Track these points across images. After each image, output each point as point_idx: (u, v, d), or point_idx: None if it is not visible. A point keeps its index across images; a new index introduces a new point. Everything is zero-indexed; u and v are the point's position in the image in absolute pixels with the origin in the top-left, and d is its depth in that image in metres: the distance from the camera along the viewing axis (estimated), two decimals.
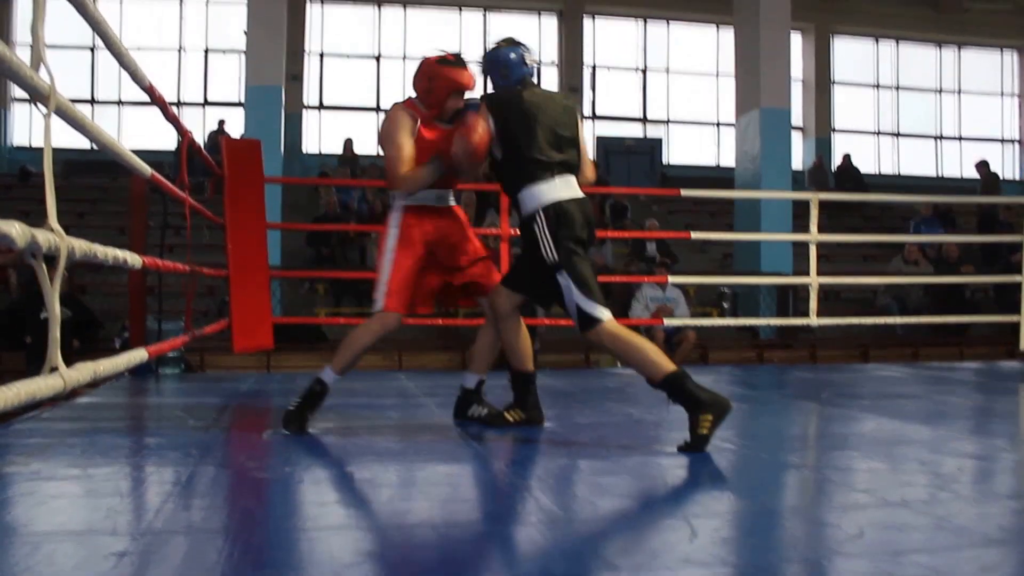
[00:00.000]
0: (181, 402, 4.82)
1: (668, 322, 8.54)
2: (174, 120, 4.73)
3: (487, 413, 4.02)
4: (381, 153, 3.96)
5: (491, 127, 3.65)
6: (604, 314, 3.49)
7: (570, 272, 3.52)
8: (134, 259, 3.26)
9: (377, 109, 17.91)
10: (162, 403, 4.94)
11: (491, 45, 3.87)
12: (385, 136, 3.86)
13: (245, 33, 12.04)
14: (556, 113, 3.72)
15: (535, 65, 3.85)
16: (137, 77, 3.54)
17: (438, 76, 3.81)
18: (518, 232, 3.89)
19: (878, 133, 20.24)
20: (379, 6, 17.92)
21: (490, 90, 3.86)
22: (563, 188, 3.62)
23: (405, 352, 9.18)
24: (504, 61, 3.77)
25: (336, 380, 3.81)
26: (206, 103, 17.46)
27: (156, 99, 4.11)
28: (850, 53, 19.95)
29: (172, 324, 6.00)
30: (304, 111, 17.40)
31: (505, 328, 3.89)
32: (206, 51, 17.60)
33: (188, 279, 5.29)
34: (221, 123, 15.29)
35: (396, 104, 3.95)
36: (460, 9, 18.17)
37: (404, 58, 17.94)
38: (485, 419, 3.98)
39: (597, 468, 3.05)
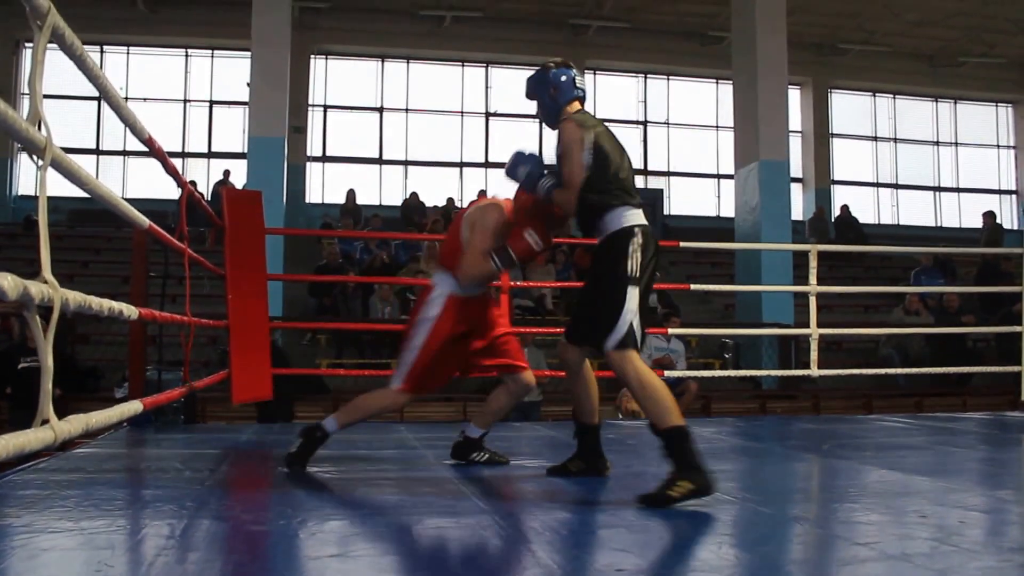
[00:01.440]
0: (179, 453, 4.79)
1: (671, 373, 8.51)
2: (173, 171, 4.75)
3: (488, 457, 4.18)
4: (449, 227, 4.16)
5: (585, 145, 3.58)
6: (638, 344, 3.49)
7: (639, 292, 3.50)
8: (130, 310, 3.25)
9: (380, 161, 18.05)
10: (160, 454, 4.91)
11: (543, 65, 3.88)
12: (477, 223, 3.90)
13: (249, 85, 12.16)
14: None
15: (583, 90, 3.84)
16: (136, 129, 3.56)
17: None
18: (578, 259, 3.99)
19: (877, 184, 20.36)
20: (383, 60, 18.14)
21: (533, 110, 3.91)
22: (643, 217, 3.61)
23: (407, 404, 9.13)
24: (556, 81, 3.77)
25: (335, 431, 3.95)
26: (211, 154, 17.59)
27: (155, 151, 4.13)
28: (848, 106, 20.16)
29: (173, 374, 5.98)
30: (307, 162, 17.51)
31: (576, 382, 3.84)
32: (211, 103, 17.76)
33: (187, 330, 5.27)
34: (226, 173, 15.43)
35: (496, 200, 4.01)
36: (463, 64, 18.38)
37: (407, 111, 18.14)
38: (487, 461, 4.16)
39: (596, 522, 3.02)
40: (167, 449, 5.06)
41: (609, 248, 3.55)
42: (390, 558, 2.55)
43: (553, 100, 3.76)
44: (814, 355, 7.16)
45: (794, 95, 18.45)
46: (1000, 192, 20.94)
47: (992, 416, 7.67)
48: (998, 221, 17.11)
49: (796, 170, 18.43)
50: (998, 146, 21.02)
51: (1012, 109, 20.97)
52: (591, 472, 3.83)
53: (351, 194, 16.02)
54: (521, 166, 3.73)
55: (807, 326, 7.27)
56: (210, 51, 17.63)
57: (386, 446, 5.13)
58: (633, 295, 3.46)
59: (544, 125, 3.98)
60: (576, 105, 3.80)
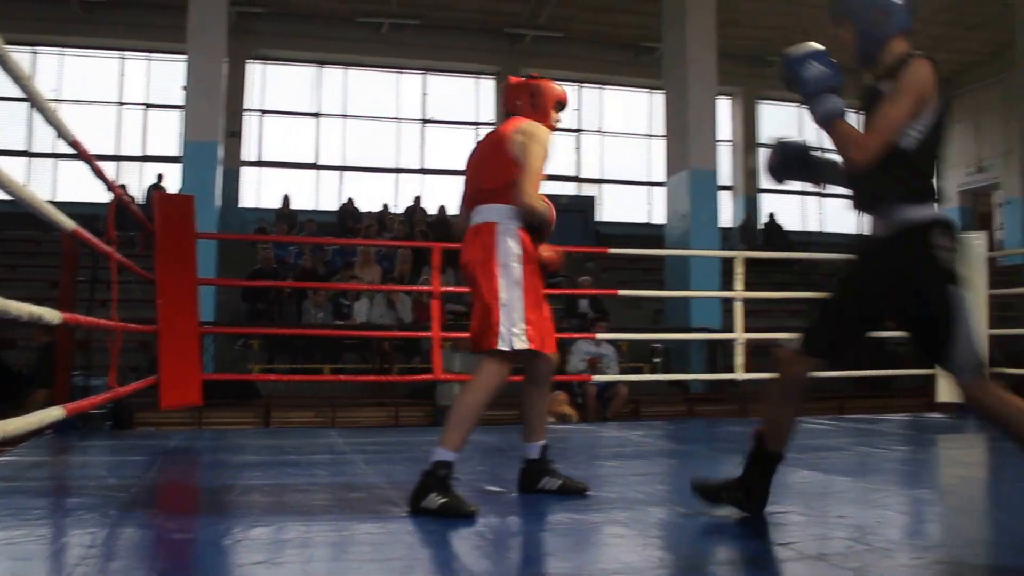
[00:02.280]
0: (104, 460, 4.73)
1: (600, 378, 8.62)
2: (100, 175, 4.71)
3: (561, 485, 3.55)
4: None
5: (929, 103, 2.74)
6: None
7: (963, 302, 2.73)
8: (52, 315, 3.22)
9: (316, 166, 17.96)
10: (84, 461, 4.84)
11: None
12: (528, 147, 3.39)
13: (184, 89, 12.03)
14: None
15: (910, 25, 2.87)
16: (62, 132, 3.53)
17: (541, 90, 3.60)
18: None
19: (803, 193, 20.71)
20: (320, 66, 18.05)
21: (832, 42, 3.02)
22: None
23: (339, 408, 9.11)
24: (881, 2, 2.83)
25: (455, 455, 3.27)
26: (145, 158, 17.32)
27: (82, 153, 4.10)
28: (776, 117, 20.51)
29: (101, 380, 5.90)
30: (243, 167, 17.34)
31: (789, 402, 3.07)
32: (146, 106, 17.51)
33: (114, 335, 5.22)
34: (159, 177, 15.24)
35: (533, 121, 3.52)
36: (400, 71, 18.38)
37: (344, 116, 18.08)
38: (560, 490, 3.53)
39: (524, 526, 3.06)
40: (92, 456, 4.99)
41: (902, 251, 2.77)
42: (316, 564, 2.54)
43: (877, 25, 2.86)
44: (739, 358, 7.30)
45: (724, 105, 18.75)
46: None
47: (911, 417, 7.89)
48: None
49: (725, 178, 18.72)
50: None
51: None
52: (746, 507, 3.10)
53: (286, 199, 15.91)
54: (809, 63, 2.85)
55: (734, 331, 7.42)
56: (146, 54, 17.37)
57: (316, 451, 5.12)
58: (961, 309, 2.72)
59: (855, 60, 3.03)
60: (903, 44, 2.87)
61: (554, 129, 3.59)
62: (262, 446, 3.82)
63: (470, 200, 3.56)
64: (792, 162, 3.11)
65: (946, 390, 7.84)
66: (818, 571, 2.37)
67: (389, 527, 2.96)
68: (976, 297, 7.77)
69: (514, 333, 3.22)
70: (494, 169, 3.46)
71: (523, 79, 3.67)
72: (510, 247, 3.32)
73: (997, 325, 8.43)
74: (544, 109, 3.57)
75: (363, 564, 2.54)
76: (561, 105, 3.63)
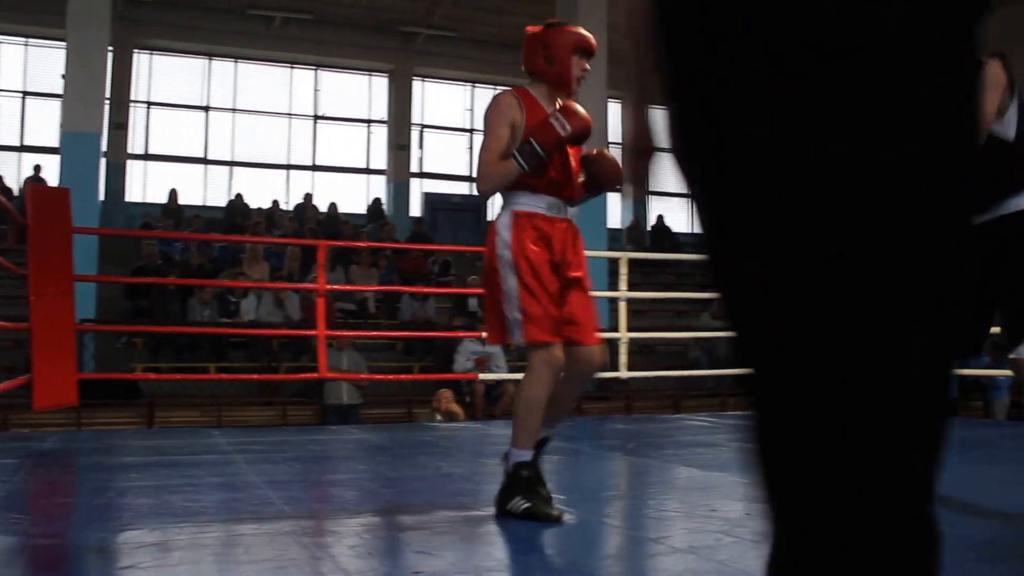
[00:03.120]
0: None
1: (487, 376, 8.69)
2: None
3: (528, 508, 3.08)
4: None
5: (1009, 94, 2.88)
6: None
7: None
8: None
9: (204, 161, 17.60)
10: None
11: None
12: (484, 126, 3.18)
13: (64, 77, 11.66)
14: None
15: None
16: None
17: (554, 39, 3.20)
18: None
19: (690, 196, 21.15)
20: (210, 59, 17.67)
21: None
22: None
23: (225, 408, 8.99)
24: None
25: (530, 455, 3.10)
26: (23, 148, 16.72)
27: None
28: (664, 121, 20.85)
29: None
30: (128, 160, 16.88)
31: None
32: (24, 94, 16.90)
33: None
34: (36, 169, 14.70)
35: (508, 90, 3.28)
36: (292, 66, 18.12)
37: (233, 111, 17.75)
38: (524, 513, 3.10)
39: (401, 525, 3.07)
40: None
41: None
42: (189, 567, 2.52)
43: None
44: (623, 357, 7.45)
45: (615, 108, 18.99)
46: None
47: None
48: None
49: None
50: None
51: None
52: None
53: (173, 194, 15.57)
54: None
55: (617, 331, 7.56)
56: (24, 39, 16.76)
57: (198, 452, 5.04)
58: None
59: None
60: None
61: (578, 79, 3.24)
62: (142, 447, 3.76)
63: None
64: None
65: None
66: (687, 564, 2.44)
67: (266, 528, 2.94)
68: None
69: (516, 325, 3.04)
70: None
71: (538, 28, 3.29)
72: (503, 238, 3.10)
73: None
74: (561, 60, 3.19)
75: (238, 566, 2.52)
76: (583, 51, 3.21)
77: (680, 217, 20.26)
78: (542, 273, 3.06)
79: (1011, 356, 3.02)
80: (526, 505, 2.98)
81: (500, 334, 3.11)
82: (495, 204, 17.90)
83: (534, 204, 3.14)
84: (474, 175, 16.45)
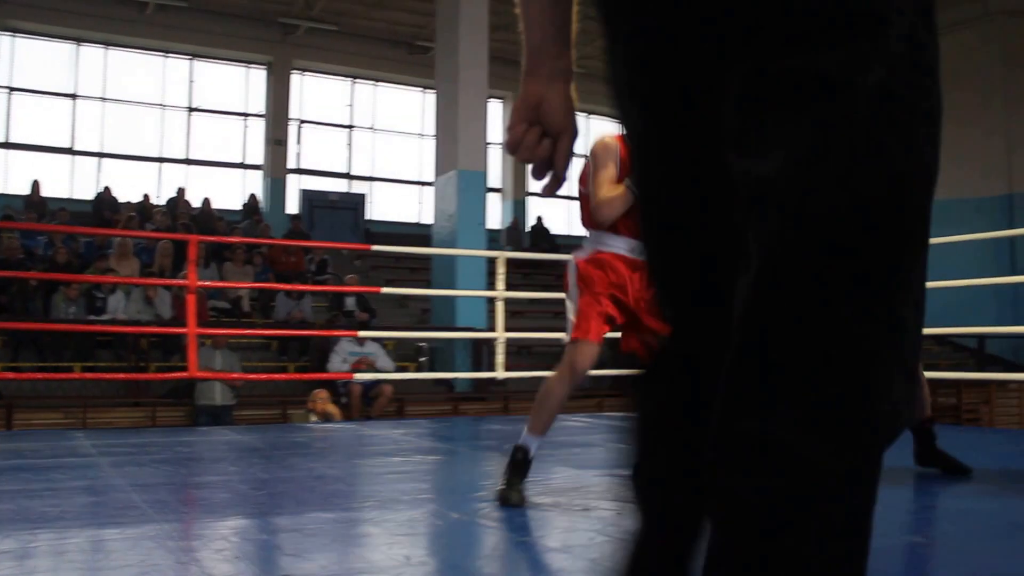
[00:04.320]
0: None
1: (364, 376, 8.61)
2: None
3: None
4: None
5: None
6: None
7: None
8: None
9: (71, 151, 16.95)
10: None
11: None
12: (596, 161, 3.49)
13: None
14: None
15: None
16: None
17: None
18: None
19: (570, 198, 21.39)
20: (78, 44, 17.00)
21: None
22: None
23: (90, 409, 8.68)
24: None
25: (537, 442, 3.43)
26: None
27: None
28: None
29: None
30: None
31: None
32: None
33: None
34: None
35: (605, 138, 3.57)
36: (165, 55, 17.59)
37: (103, 99, 17.14)
38: None
39: (271, 527, 3.00)
40: None
41: None
42: (45, 575, 2.41)
43: None
44: (500, 357, 7.47)
45: (495, 108, 19.08)
46: None
47: None
48: None
49: (495, 180, 19.06)
50: None
51: None
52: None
53: (36, 185, 14.97)
54: None
55: (495, 331, 7.58)
56: None
57: (58, 454, 4.86)
58: None
59: None
60: None
61: None
62: (51, 448, 3.59)
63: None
64: None
65: None
66: (561, 562, 2.45)
67: (128, 532, 2.84)
68: None
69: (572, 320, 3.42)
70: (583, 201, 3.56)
71: None
72: (572, 266, 3.50)
73: None
74: None
75: (99, 572, 2.42)
76: None
77: (559, 219, 20.50)
78: (599, 290, 3.41)
79: None
80: (500, 488, 3.28)
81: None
82: (373, 203, 17.82)
83: (618, 246, 3.43)
84: (352, 172, 16.36)
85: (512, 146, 1.14)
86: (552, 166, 1.15)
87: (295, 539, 2.79)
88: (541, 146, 1.13)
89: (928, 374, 6.54)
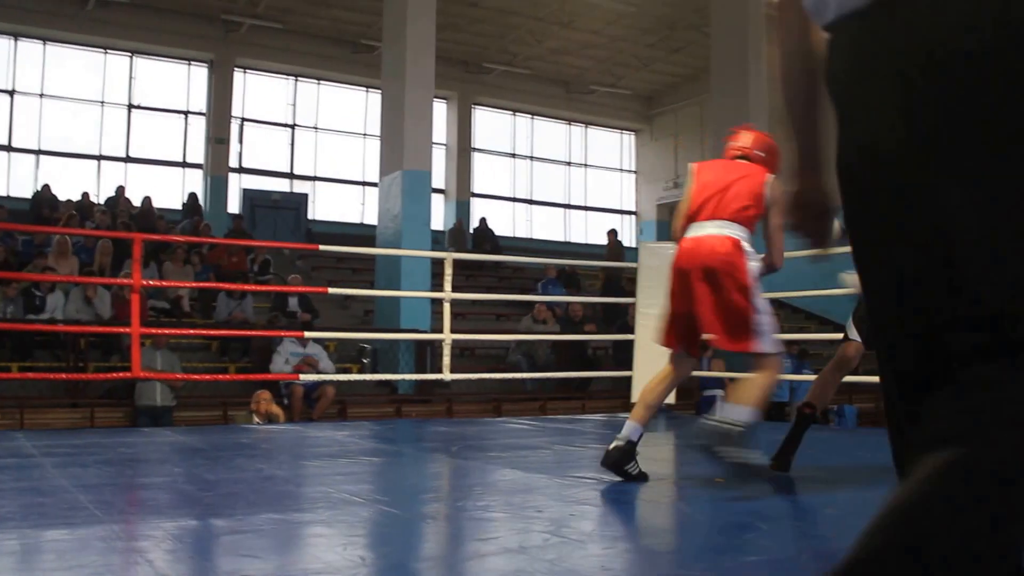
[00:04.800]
0: None
1: (306, 377, 8.57)
2: None
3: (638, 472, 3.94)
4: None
5: None
6: None
7: None
8: None
9: (8, 148, 16.54)
10: None
11: None
12: (775, 209, 3.90)
13: None
14: None
15: None
16: None
17: (779, 155, 4.02)
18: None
19: (514, 200, 21.47)
20: (15, 39, 16.56)
21: None
22: None
23: (28, 410, 8.51)
24: None
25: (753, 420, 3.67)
26: None
27: None
28: (490, 123, 21.10)
29: None
30: None
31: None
32: None
33: None
34: None
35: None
36: (106, 51, 17.27)
37: (41, 96, 16.78)
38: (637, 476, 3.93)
39: (223, 528, 2.98)
40: None
41: None
42: None
43: None
44: (447, 359, 7.47)
45: (440, 108, 19.06)
46: (622, 212, 22.79)
47: (607, 418, 8.35)
48: (619, 239, 18.61)
49: (439, 181, 19.05)
50: (621, 170, 22.90)
51: (634, 137, 22.91)
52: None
53: None
54: None
55: (442, 332, 7.58)
56: None
57: None
58: None
59: None
60: None
61: None
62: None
63: (706, 212, 3.90)
64: None
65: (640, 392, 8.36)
66: (518, 564, 2.46)
67: (78, 533, 2.81)
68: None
69: (765, 336, 3.75)
70: (745, 197, 3.87)
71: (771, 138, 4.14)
72: (752, 266, 3.79)
73: None
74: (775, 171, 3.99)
75: (48, 574, 2.40)
76: None
77: (503, 221, 20.55)
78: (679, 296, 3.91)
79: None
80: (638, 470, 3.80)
81: (742, 341, 3.75)
82: (315, 203, 17.59)
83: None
84: (295, 172, 16.21)
85: (798, 226, 1.57)
86: (822, 233, 1.57)
87: (249, 540, 2.78)
88: (817, 222, 1.55)
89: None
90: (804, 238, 1.59)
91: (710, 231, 3.84)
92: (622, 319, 11.39)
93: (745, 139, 4.14)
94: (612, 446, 3.86)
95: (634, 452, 3.87)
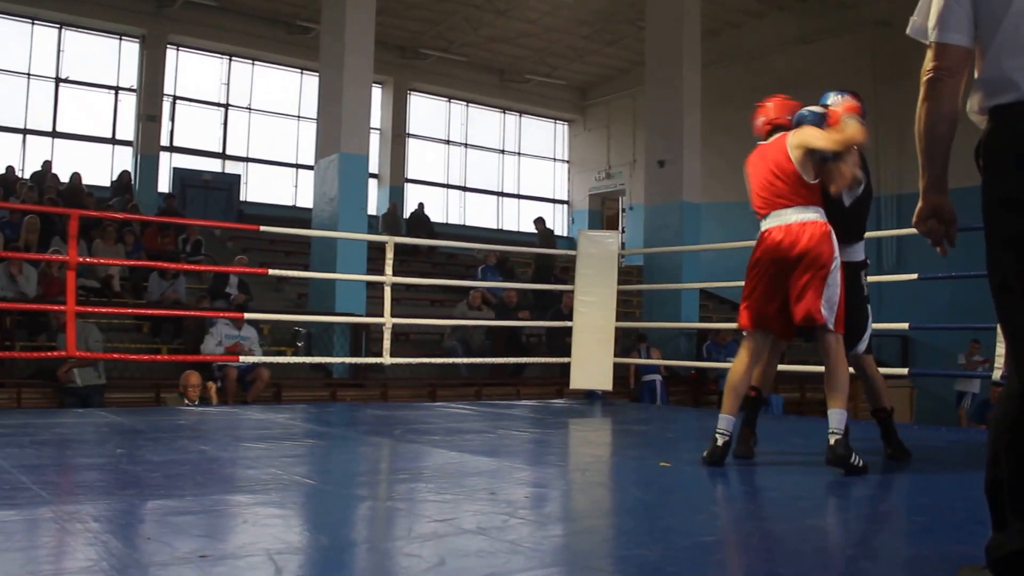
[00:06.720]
0: None
1: (245, 359, 8.48)
2: None
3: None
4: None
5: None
6: None
7: None
8: None
9: None
10: None
11: None
12: (806, 135, 4.06)
13: None
14: None
15: None
16: None
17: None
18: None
19: (448, 186, 21.44)
20: None
21: None
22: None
23: None
24: None
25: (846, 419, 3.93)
26: None
27: None
28: (425, 109, 21.04)
29: None
30: None
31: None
32: None
33: None
34: None
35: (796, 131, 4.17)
36: (32, 22, 16.80)
37: None
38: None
39: (172, 508, 2.95)
40: None
41: None
42: None
43: None
44: (387, 344, 7.46)
45: (376, 93, 18.93)
46: (554, 201, 22.91)
47: (541, 403, 8.43)
48: (549, 227, 18.63)
49: (373, 166, 18.93)
50: (554, 159, 23.01)
51: (568, 127, 23.04)
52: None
53: None
54: None
55: (379, 316, 7.56)
56: None
57: None
58: None
59: None
60: None
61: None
62: None
63: (770, 204, 4.10)
64: None
65: (577, 378, 8.44)
66: (479, 544, 2.48)
67: (25, 514, 2.77)
68: (608, 292, 8.42)
69: (835, 315, 3.99)
70: (790, 174, 4.06)
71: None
72: (836, 248, 4.00)
73: (620, 319, 9.17)
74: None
75: (3, 554, 2.34)
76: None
77: (437, 207, 20.52)
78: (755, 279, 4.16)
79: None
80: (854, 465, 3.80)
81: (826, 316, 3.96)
82: (248, 184, 17.36)
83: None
84: (227, 152, 15.95)
85: (928, 233, 2.13)
86: (946, 240, 2.14)
87: (202, 520, 2.76)
88: (945, 232, 2.12)
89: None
90: (934, 241, 2.13)
91: (791, 219, 4.03)
92: (555, 306, 11.44)
93: (769, 111, 4.29)
94: (832, 441, 3.84)
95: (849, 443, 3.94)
